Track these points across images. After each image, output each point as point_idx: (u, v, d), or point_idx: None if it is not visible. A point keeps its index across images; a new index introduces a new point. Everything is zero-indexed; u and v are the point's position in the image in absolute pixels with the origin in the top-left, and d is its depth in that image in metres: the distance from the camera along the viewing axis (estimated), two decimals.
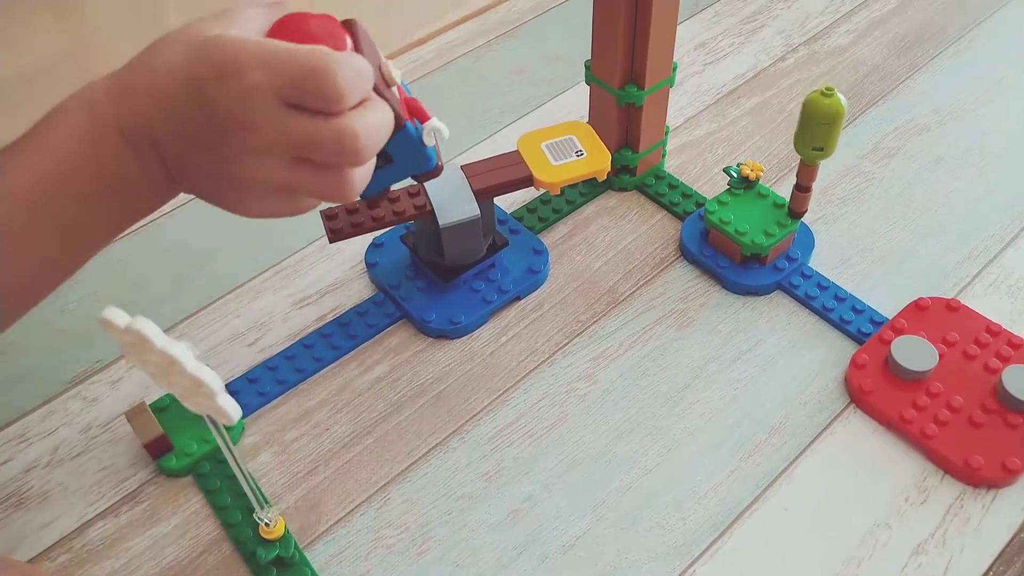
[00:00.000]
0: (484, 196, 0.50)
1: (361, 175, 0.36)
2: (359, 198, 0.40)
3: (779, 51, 0.71)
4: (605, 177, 0.52)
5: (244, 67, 0.32)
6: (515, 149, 0.52)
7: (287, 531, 0.43)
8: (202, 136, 0.34)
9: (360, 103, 0.34)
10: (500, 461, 0.46)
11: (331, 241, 0.49)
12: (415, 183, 0.50)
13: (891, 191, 0.59)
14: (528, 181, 0.51)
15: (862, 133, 0.63)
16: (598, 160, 0.51)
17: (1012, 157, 0.61)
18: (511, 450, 0.47)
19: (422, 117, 0.42)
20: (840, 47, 0.71)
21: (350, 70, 0.33)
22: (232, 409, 0.32)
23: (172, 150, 0.35)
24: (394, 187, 0.46)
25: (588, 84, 0.57)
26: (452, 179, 0.51)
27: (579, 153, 0.52)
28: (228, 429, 0.47)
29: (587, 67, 0.56)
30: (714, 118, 0.65)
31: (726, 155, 0.62)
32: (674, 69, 0.55)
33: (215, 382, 0.31)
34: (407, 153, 0.40)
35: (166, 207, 0.60)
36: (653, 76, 0.54)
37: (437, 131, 0.42)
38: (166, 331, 0.54)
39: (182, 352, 0.31)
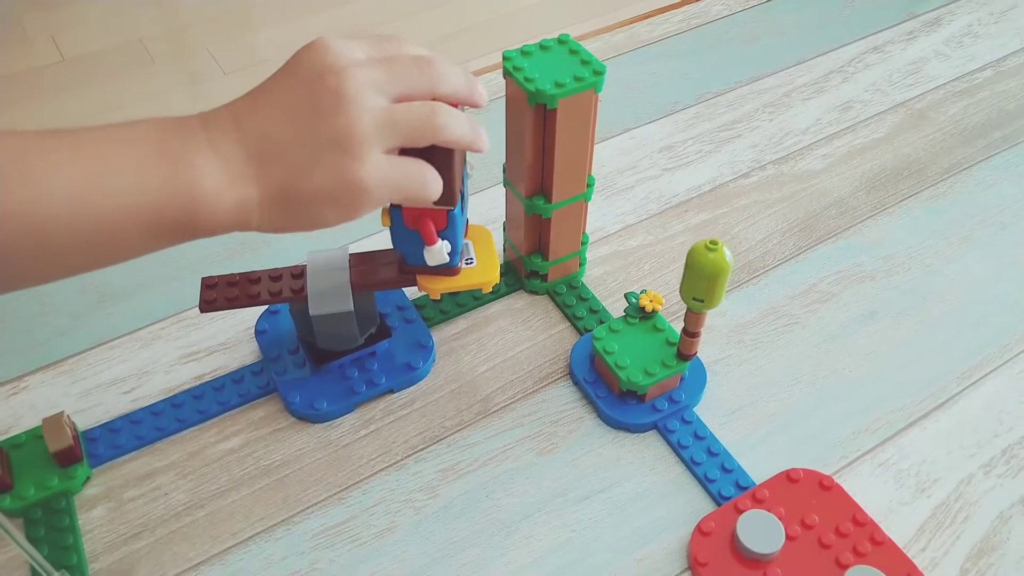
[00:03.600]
0: (360, 290, 0.50)
1: (448, 110, 0.39)
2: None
3: (745, 166, 0.69)
4: (490, 290, 0.51)
5: (330, 36, 0.38)
6: None
7: None
8: (297, 102, 0.37)
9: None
10: (315, 561, 0.46)
11: (202, 311, 0.49)
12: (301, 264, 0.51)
13: (809, 341, 0.56)
14: (410, 282, 0.50)
15: (800, 271, 0.61)
16: (486, 272, 0.50)
17: (950, 326, 0.57)
18: (330, 552, 0.46)
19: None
20: (810, 172, 0.68)
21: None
22: None
23: (257, 128, 0.37)
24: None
25: (504, 186, 0.56)
26: (336, 266, 0.50)
27: (469, 261, 0.51)
28: (70, 477, 0.48)
29: (504, 169, 0.55)
30: (653, 230, 0.63)
31: (652, 271, 0.61)
32: (590, 185, 0.54)
33: None
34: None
35: None
36: (561, 192, 0.53)
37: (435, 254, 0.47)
38: (54, 364, 0.56)
39: None
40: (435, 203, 0.44)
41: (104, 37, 1.84)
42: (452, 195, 0.44)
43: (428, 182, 0.40)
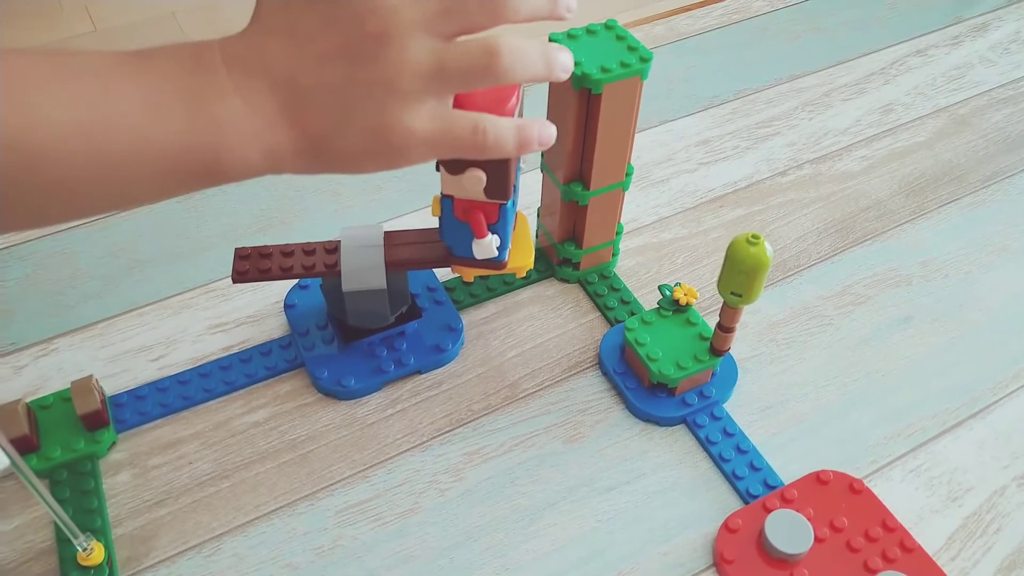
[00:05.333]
0: (395, 268, 0.50)
1: (512, 47, 0.34)
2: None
3: (783, 164, 0.68)
4: (524, 275, 0.51)
5: None
6: None
7: (107, 561, 0.44)
8: (333, 48, 0.33)
9: None
10: (338, 538, 0.46)
11: (234, 281, 0.49)
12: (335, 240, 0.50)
13: (842, 343, 0.55)
14: (443, 262, 0.49)
15: (835, 272, 0.60)
16: (520, 257, 0.50)
17: (985, 335, 0.56)
18: (353, 529, 0.46)
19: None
20: (848, 173, 0.67)
21: None
22: None
23: (288, 74, 0.34)
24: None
25: (541, 171, 0.55)
26: (371, 243, 0.50)
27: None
28: (97, 441, 0.48)
29: (542, 154, 0.55)
30: (687, 223, 0.63)
31: (685, 265, 0.60)
32: (629, 174, 0.53)
33: None
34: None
35: None
36: (600, 179, 0.52)
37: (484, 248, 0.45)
38: (83, 328, 0.56)
39: None
40: (488, 197, 0.43)
41: (137, 10, 1.85)
42: (507, 188, 0.43)
43: (491, 136, 0.35)
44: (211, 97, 0.33)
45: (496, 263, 0.48)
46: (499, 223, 0.45)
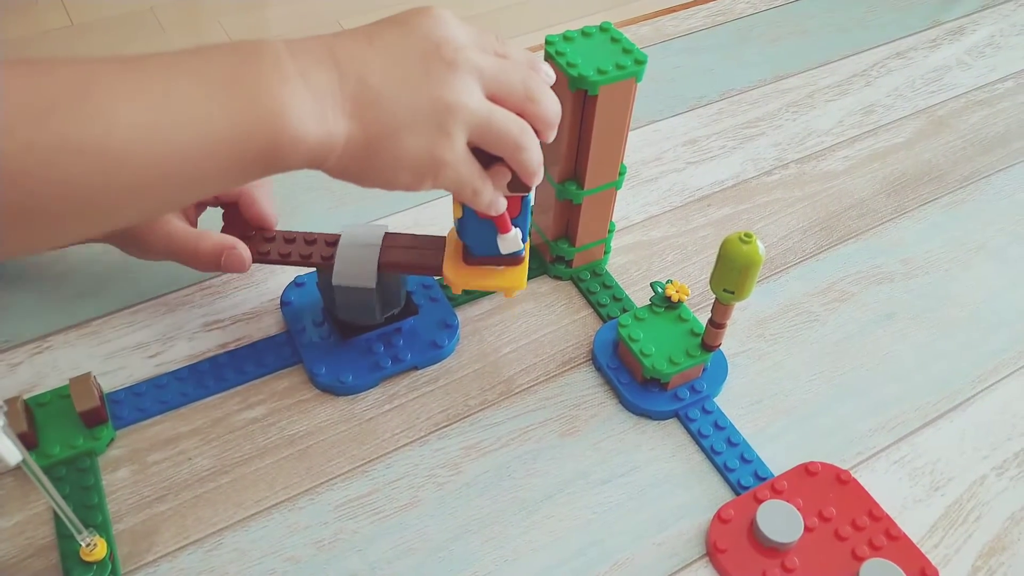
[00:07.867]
0: (387, 270, 0.50)
1: (535, 145, 0.40)
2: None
3: (768, 164, 0.69)
4: (513, 295, 0.51)
5: (443, 9, 0.38)
6: (448, 234, 0.51)
7: (109, 557, 0.44)
8: (407, 61, 0.37)
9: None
10: (339, 532, 0.46)
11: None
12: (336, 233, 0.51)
13: (828, 339, 0.57)
14: (436, 271, 0.50)
15: (820, 270, 0.61)
16: (513, 278, 0.49)
17: (966, 330, 0.58)
18: (353, 523, 0.47)
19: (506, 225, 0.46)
20: (831, 173, 0.69)
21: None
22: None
23: (358, 71, 0.36)
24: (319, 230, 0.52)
25: None
26: (370, 242, 0.51)
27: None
28: (95, 437, 0.49)
29: None
30: (676, 222, 0.64)
31: (675, 263, 0.61)
32: (622, 173, 0.54)
33: None
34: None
35: None
36: (594, 179, 0.53)
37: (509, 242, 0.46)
38: (78, 326, 0.56)
39: None
40: (511, 191, 0.43)
41: (115, 4, 1.83)
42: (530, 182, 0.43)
43: (483, 199, 0.41)
44: (272, 81, 0.35)
45: (517, 256, 0.48)
46: (520, 215, 0.46)
